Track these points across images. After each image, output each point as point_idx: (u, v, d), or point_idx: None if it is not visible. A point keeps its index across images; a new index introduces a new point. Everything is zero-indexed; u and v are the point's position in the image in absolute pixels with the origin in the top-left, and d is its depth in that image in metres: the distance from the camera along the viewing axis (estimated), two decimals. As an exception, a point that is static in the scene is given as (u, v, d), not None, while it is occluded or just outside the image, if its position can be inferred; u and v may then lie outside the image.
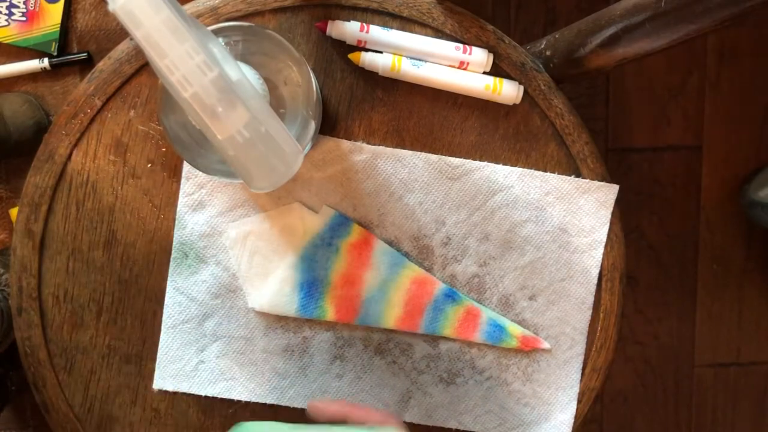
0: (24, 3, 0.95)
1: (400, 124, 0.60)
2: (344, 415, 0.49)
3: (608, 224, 0.61)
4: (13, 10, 0.95)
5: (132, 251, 0.60)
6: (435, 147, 0.60)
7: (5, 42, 0.96)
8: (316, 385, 0.61)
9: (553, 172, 0.60)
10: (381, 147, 0.59)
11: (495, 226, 0.60)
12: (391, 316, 0.60)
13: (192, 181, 0.59)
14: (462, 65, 0.59)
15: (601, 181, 0.60)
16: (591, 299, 0.61)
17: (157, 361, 0.60)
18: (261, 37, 0.50)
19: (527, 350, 0.61)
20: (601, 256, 0.61)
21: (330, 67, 0.59)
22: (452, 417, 0.61)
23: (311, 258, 0.60)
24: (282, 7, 0.58)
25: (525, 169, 0.60)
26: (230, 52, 0.44)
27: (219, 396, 0.60)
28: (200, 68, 0.38)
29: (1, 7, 0.95)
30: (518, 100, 0.59)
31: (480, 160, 0.60)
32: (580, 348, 0.61)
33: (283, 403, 0.61)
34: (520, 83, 0.59)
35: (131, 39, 0.54)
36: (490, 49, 0.59)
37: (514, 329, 0.60)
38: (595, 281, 0.61)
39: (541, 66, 0.60)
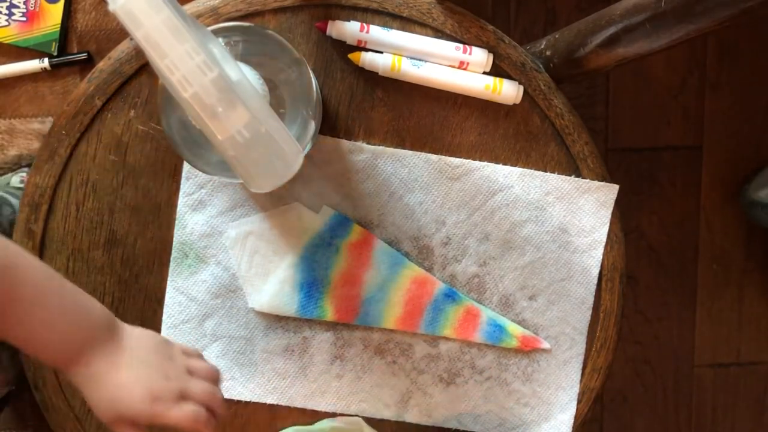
0: (24, 3, 0.95)
1: (400, 124, 0.60)
2: None
3: (608, 224, 0.61)
4: (13, 10, 0.95)
5: (132, 251, 0.60)
6: (435, 147, 0.60)
7: (5, 42, 0.96)
8: (316, 385, 0.61)
9: (553, 172, 0.60)
10: (381, 147, 0.59)
11: (495, 226, 0.60)
12: (391, 316, 0.60)
13: (192, 181, 0.59)
14: (462, 65, 0.59)
15: (601, 181, 0.60)
16: (591, 299, 0.61)
17: (157, 361, 0.60)
18: (261, 37, 0.50)
19: (527, 350, 0.61)
20: (601, 256, 0.61)
21: (330, 67, 0.59)
22: (452, 417, 0.61)
23: (311, 258, 0.60)
24: (282, 7, 0.58)
25: (525, 169, 0.60)
26: (230, 52, 0.44)
27: (219, 396, 0.60)
28: (200, 68, 0.38)
29: (1, 7, 0.95)
30: (518, 100, 0.59)
31: (480, 160, 0.60)
32: (580, 348, 0.61)
33: (283, 403, 0.61)
34: (520, 83, 0.59)
35: (131, 39, 0.54)
36: (490, 49, 0.59)
37: (514, 329, 0.60)
38: (595, 281, 0.61)
39: (541, 66, 0.60)
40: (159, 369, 0.47)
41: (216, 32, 0.48)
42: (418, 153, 0.60)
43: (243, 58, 0.49)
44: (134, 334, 0.48)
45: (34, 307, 0.44)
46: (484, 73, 0.59)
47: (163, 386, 0.46)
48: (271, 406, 0.61)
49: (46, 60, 0.96)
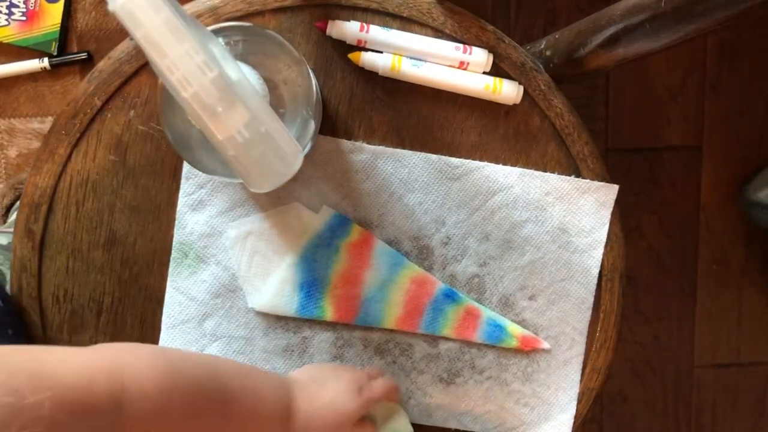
0: (24, 2, 0.95)
1: (400, 124, 0.60)
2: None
3: (608, 224, 0.61)
4: (13, 10, 0.95)
5: (132, 251, 0.60)
6: (435, 147, 0.60)
7: (5, 42, 0.96)
8: (316, 385, 0.60)
9: (553, 172, 0.60)
10: (381, 147, 0.59)
11: (495, 226, 0.60)
12: (391, 316, 0.60)
13: (192, 181, 0.59)
14: (462, 65, 0.59)
15: (601, 181, 0.60)
16: (591, 299, 0.61)
17: (157, 361, 0.60)
18: (261, 37, 0.50)
19: (527, 350, 0.61)
20: (601, 256, 0.61)
21: (330, 67, 0.59)
22: (452, 417, 0.61)
23: (311, 258, 0.60)
24: (282, 7, 0.58)
25: (525, 169, 0.60)
26: (230, 52, 0.44)
27: (219, 396, 0.60)
28: (200, 68, 0.38)
29: (1, 6, 0.95)
30: (518, 100, 0.59)
31: (480, 160, 0.60)
32: (580, 348, 0.61)
33: (283, 403, 0.61)
34: (520, 83, 0.59)
35: (131, 39, 0.54)
36: (490, 49, 0.59)
37: (514, 329, 0.60)
38: (595, 281, 0.61)
39: (541, 66, 0.60)
40: (342, 371, 0.55)
41: (216, 32, 0.48)
42: (418, 153, 0.60)
43: (243, 58, 0.49)
44: (303, 371, 0.56)
45: (245, 393, 0.48)
46: (484, 73, 0.59)
47: (357, 376, 0.54)
48: (271, 406, 0.61)
49: (45, 60, 0.96)
